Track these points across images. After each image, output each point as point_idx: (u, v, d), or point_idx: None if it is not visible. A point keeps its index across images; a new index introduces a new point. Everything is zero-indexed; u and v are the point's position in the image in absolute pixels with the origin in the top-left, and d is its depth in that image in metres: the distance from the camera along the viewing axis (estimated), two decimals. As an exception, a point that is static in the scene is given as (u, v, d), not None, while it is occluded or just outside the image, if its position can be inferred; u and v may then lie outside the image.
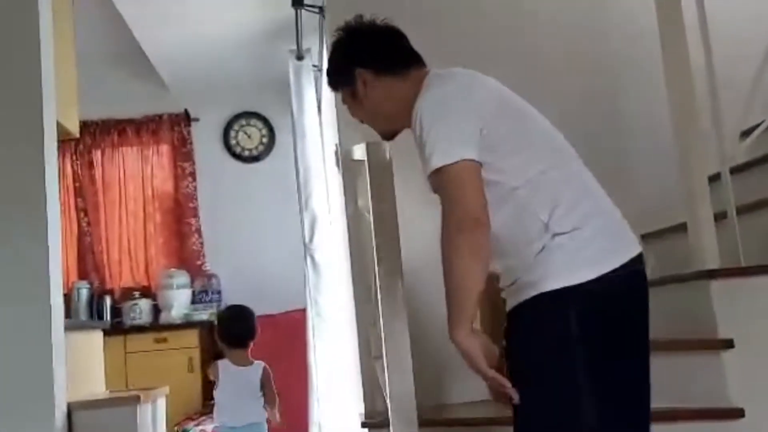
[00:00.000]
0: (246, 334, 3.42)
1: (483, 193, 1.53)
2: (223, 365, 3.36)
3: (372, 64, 1.80)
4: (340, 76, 1.87)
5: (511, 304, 1.60)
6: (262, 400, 3.35)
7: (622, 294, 1.55)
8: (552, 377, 1.50)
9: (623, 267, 1.55)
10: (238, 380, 3.31)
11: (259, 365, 3.36)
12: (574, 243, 1.53)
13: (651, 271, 1.71)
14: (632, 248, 1.61)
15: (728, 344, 2.10)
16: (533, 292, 1.52)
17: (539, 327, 1.53)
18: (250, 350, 3.44)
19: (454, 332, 1.54)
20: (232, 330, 3.43)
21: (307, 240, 4.43)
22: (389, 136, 1.88)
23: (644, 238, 3.01)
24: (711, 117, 2.41)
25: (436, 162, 1.54)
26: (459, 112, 1.59)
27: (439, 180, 1.55)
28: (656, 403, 2.24)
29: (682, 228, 2.46)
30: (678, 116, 2.38)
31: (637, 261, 1.60)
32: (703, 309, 2.20)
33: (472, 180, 1.53)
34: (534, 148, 1.67)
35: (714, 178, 2.40)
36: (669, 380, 2.26)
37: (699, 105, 2.37)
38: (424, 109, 1.62)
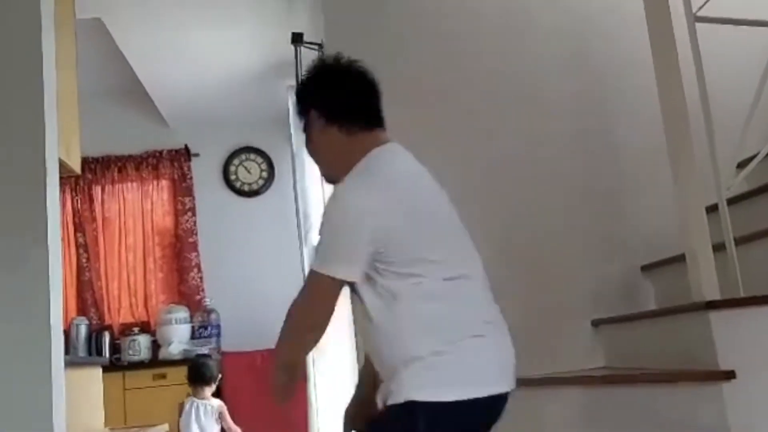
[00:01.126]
0: (204, 376, 4.56)
1: (332, 308, 1.70)
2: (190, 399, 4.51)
3: (325, 110, 1.82)
4: (299, 106, 1.91)
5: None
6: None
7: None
8: None
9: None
10: (199, 409, 4.44)
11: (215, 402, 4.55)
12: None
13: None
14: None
15: (729, 375, 2.10)
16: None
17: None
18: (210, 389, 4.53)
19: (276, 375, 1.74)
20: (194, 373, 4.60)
21: (306, 274, 4.43)
22: (329, 180, 1.90)
23: (644, 269, 3.03)
24: (708, 148, 2.43)
25: (314, 263, 1.70)
26: (356, 233, 1.64)
27: (308, 276, 1.72)
28: (658, 435, 2.24)
29: (681, 259, 2.46)
30: (673, 147, 2.40)
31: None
32: (703, 340, 2.20)
33: (328, 295, 1.69)
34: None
35: (712, 209, 2.42)
36: (669, 412, 2.25)
37: (695, 136, 2.39)
38: (334, 209, 1.68)
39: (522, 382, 2.72)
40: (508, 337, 1.82)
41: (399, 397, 1.62)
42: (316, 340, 1.75)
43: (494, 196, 3.06)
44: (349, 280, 1.68)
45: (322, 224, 1.69)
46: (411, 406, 1.60)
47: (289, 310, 1.75)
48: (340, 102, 1.84)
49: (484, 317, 1.77)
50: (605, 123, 3.21)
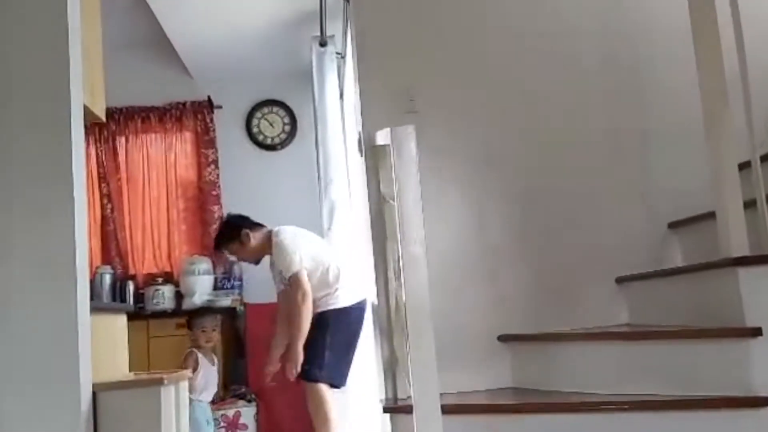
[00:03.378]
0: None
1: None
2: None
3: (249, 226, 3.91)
4: (231, 237, 3.93)
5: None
6: None
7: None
8: None
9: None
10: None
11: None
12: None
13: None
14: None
15: (756, 332, 2.08)
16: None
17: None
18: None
19: (299, 346, 3.58)
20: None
21: (326, 227, 4.44)
22: (256, 262, 4.02)
23: (671, 226, 2.99)
24: (742, 104, 2.37)
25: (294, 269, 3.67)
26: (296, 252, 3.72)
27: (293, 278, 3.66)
28: (682, 390, 2.24)
29: (710, 216, 2.43)
30: (708, 103, 2.35)
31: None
32: (730, 297, 2.18)
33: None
34: None
35: (744, 166, 2.37)
36: (694, 369, 2.24)
37: (729, 92, 2.34)
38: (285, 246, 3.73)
39: (545, 337, 2.75)
40: None
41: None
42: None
43: (520, 156, 3.03)
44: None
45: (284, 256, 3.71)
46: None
47: (299, 300, 3.60)
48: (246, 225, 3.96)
49: None
50: (634, 80, 3.14)
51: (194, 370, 4.15)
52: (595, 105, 3.10)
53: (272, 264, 3.80)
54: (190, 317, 4.46)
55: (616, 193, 3.03)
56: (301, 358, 3.52)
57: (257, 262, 3.95)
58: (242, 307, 5.24)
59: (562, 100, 3.08)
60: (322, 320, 3.63)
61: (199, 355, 4.21)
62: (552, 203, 3.01)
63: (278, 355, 3.77)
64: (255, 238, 3.82)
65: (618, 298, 2.94)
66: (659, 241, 3.00)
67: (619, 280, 2.95)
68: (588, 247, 2.98)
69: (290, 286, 3.62)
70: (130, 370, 3.44)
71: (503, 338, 2.85)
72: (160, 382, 2.87)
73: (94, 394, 2.67)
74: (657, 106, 3.11)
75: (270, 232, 3.79)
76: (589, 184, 3.04)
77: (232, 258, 4.25)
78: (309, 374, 3.57)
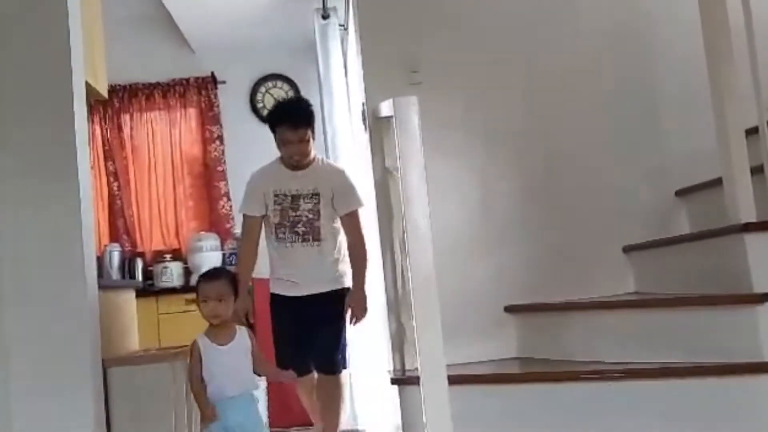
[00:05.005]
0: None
1: None
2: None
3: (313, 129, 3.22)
4: (313, 122, 3.18)
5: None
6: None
7: None
8: None
9: None
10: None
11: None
12: None
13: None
14: None
15: (764, 298, 2.07)
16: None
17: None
18: None
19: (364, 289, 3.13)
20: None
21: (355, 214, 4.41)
22: (298, 167, 3.19)
23: (678, 194, 2.97)
24: (749, 68, 2.34)
25: (360, 203, 3.18)
26: None
27: (358, 214, 3.18)
28: (690, 357, 2.24)
29: (717, 183, 2.41)
30: (714, 68, 2.32)
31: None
32: (738, 263, 2.17)
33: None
34: None
35: (751, 132, 2.34)
36: (702, 335, 2.24)
37: (737, 57, 2.30)
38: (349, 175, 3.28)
39: (553, 307, 2.75)
40: None
41: (345, 283, 3.20)
42: None
43: (525, 125, 3.01)
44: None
45: (348, 178, 3.24)
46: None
47: (362, 232, 3.17)
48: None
49: None
50: (640, 46, 3.09)
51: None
52: (600, 73, 3.06)
53: (315, 187, 3.13)
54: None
55: (623, 161, 3.01)
56: (367, 300, 3.11)
57: (299, 164, 3.15)
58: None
59: (568, 69, 3.04)
60: (339, 298, 3.16)
61: (202, 342, 2.64)
62: (558, 172, 2.99)
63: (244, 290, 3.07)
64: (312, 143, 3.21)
65: (625, 267, 2.93)
66: (666, 209, 2.98)
67: (626, 249, 2.93)
68: (594, 216, 2.96)
69: (349, 219, 3.13)
70: (140, 347, 3.47)
71: (510, 309, 2.85)
72: (171, 356, 2.89)
73: (104, 369, 2.70)
74: (664, 73, 3.07)
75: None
76: (596, 152, 3.01)
77: (293, 148, 3.10)
78: (342, 363, 3.22)
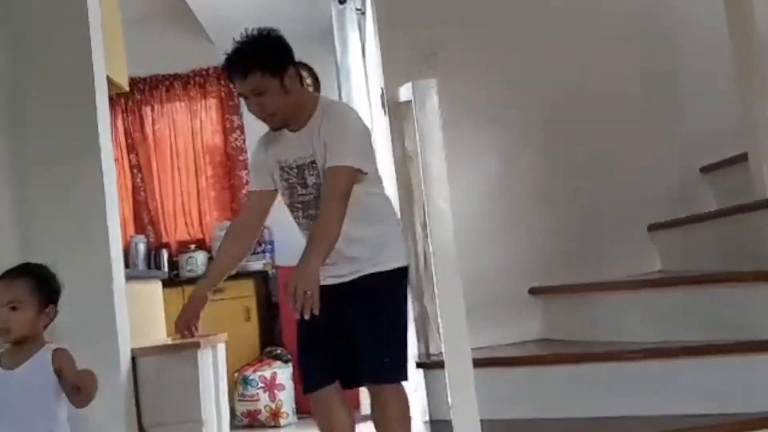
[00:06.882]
0: None
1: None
2: None
3: (295, 70, 2.35)
4: (276, 65, 2.28)
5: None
6: None
7: None
8: None
9: None
10: None
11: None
12: None
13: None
14: None
15: (791, 274, 2.04)
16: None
17: None
18: None
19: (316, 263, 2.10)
20: None
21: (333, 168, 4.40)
22: (281, 126, 2.36)
23: (703, 171, 2.93)
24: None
25: (352, 161, 2.22)
26: (370, 142, 2.34)
27: (341, 172, 2.21)
28: (716, 336, 2.22)
29: (742, 159, 2.38)
30: (739, 45, 2.28)
31: None
32: (764, 239, 2.13)
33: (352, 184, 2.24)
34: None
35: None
36: (728, 313, 2.22)
37: (762, 31, 2.26)
38: (355, 118, 2.33)
39: (578, 288, 2.73)
40: None
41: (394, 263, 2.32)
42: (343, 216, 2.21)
43: (546, 104, 2.98)
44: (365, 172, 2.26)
45: (346, 129, 2.26)
46: (404, 270, 2.35)
47: (334, 196, 2.19)
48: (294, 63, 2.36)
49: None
50: (664, 22, 3.05)
51: None
52: (624, 49, 3.02)
53: (310, 134, 2.30)
54: None
55: (647, 138, 2.98)
56: (317, 273, 2.07)
57: (280, 124, 2.35)
58: (274, 271, 5.29)
59: (590, 46, 3.01)
60: (399, 281, 2.35)
61: None
62: (579, 151, 2.97)
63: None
64: (299, 89, 2.37)
65: (650, 245, 2.91)
66: (691, 186, 2.95)
67: (651, 228, 2.91)
68: (618, 195, 2.94)
69: (326, 178, 2.25)
70: (167, 336, 3.51)
71: (534, 290, 2.84)
72: (197, 346, 2.92)
73: (133, 359, 2.74)
74: (688, 50, 3.02)
75: (318, 96, 2.47)
76: (618, 129, 2.98)
77: (251, 105, 2.31)
78: (400, 372, 2.29)
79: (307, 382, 2.35)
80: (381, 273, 2.30)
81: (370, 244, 2.30)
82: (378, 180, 2.38)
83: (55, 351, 1.87)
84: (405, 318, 2.39)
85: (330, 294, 2.15)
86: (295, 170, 2.35)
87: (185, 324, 2.37)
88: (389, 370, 2.25)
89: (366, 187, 2.28)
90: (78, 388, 1.83)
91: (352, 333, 2.28)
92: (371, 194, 2.32)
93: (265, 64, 2.25)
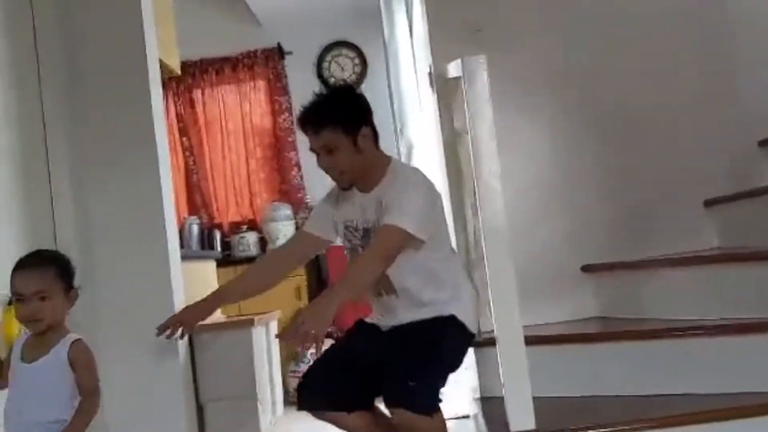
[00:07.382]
0: None
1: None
2: None
3: (374, 128, 2.29)
4: (350, 122, 2.22)
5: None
6: None
7: None
8: None
9: None
10: None
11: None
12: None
13: None
14: None
15: None
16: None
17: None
18: None
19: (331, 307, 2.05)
20: None
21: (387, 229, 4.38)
22: (351, 185, 2.29)
23: (762, 144, 2.86)
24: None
25: (407, 226, 2.11)
26: (436, 207, 2.24)
27: (393, 232, 2.11)
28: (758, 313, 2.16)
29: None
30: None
31: None
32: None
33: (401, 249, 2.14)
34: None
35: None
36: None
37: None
38: (421, 179, 2.25)
39: (632, 266, 2.70)
40: None
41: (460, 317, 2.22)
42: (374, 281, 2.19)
43: (597, 79, 2.94)
44: (421, 239, 2.15)
45: (407, 192, 2.15)
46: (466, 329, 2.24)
47: (377, 254, 2.12)
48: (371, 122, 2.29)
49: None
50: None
51: None
52: (677, 28, 2.95)
53: (374, 200, 2.25)
54: None
55: (703, 111, 2.90)
56: (329, 315, 2.05)
57: (349, 183, 2.29)
58: (323, 251, 5.34)
59: (642, 26, 2.94)
60: (457, 329, 2.23)
61: (15, 351, 1.94)
62: (632, 125, 2.91)
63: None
64: (372, 150, 2.28)
65: (706, 221, 2.85)
66: (749, 160, 2.87)
67: (708, 203, 2.84)
68: (673, 170, 2.88)
69: (377, 233, 2.21)
70: (222, 313, 3.59)
71: (587, 268, 2.81)
72: (251, 323, 2.99)
73: (190, 336, 2.81)
74: (741, 22, 2.94)
75: (390, 158, 2.36)
76: (673, 104, 2.91)
77: (321, 161, 2.28)
78: (426, 400, 2.02)
79: (310, 399, 2.24)
80: (440, 317, 2.19)
81: (440, 304, 2.21)
82: (443, 243, 2.30)
83: (73, 343, 1.86)
84: (452, 358, 2.19)
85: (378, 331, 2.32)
86: (361, 232, 2.29)
87: (175, 321, 2.35)
88: (412, 395, 1.98)
89: (431, 253, 2.20)
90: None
91: (386, 359, 2.10)
92: (438, 260, 2.24)
93: (338, 121, 2.20)
